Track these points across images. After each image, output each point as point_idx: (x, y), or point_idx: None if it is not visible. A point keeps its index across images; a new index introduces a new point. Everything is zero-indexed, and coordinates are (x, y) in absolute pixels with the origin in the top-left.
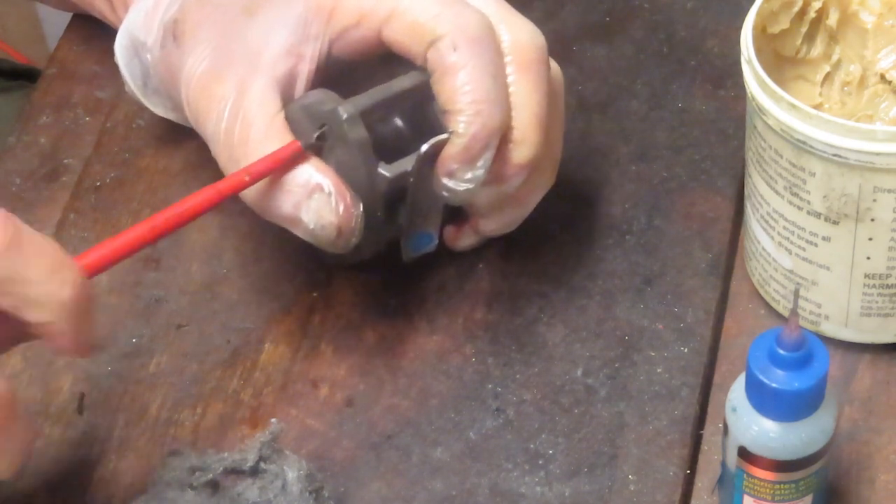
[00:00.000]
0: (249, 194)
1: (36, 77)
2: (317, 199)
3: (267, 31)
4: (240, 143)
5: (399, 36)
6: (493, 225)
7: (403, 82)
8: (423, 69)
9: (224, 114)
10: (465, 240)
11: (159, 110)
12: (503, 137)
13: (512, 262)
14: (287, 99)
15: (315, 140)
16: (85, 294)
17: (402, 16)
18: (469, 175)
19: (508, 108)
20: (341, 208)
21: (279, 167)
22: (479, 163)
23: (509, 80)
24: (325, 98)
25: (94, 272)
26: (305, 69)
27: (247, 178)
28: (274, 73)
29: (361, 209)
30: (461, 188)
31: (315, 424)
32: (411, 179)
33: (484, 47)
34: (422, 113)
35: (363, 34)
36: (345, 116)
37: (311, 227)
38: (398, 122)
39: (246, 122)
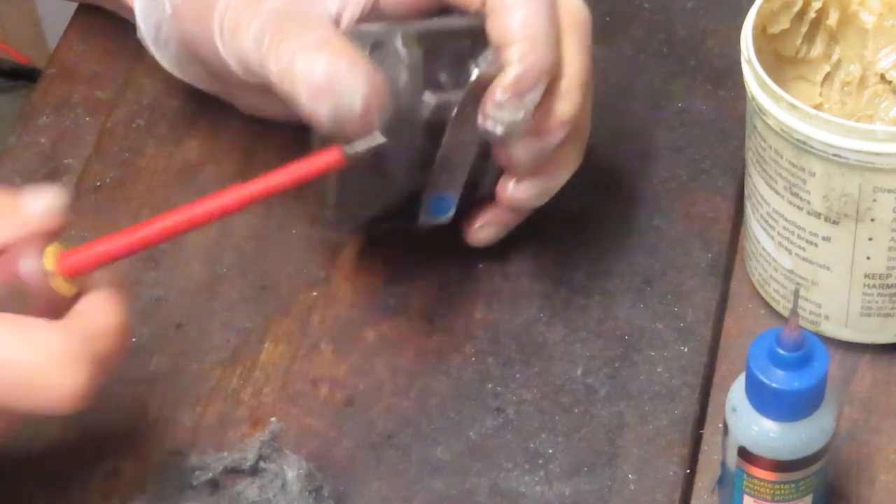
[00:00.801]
0: (274, 70)
1: (36, 77)
2: (346, 73)
3: None
4: (278, 33)
5: None
6: (523, 193)
7: (459, 21)
8: (478, 15)
9: (263, 17)
10: (485, 230)
11: (166, 63)
12: (549, 90)
13: (512, 262)
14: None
15: (364, 150)
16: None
17: None
18: (514, 112)
19: (559, 53)
20: (366, 84)
21: (315, 175)
22: (528, 98)
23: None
24: (378, 24)
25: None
26: (349, 14)
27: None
28: (320, 7)
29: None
30: (505, 121)
31: (315, 424)
32: (455, 112)
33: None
34: (466, 70)
35: None
36: (401, 33)
37: (336, 100)
38: (442, 76)
39: (287, 17)
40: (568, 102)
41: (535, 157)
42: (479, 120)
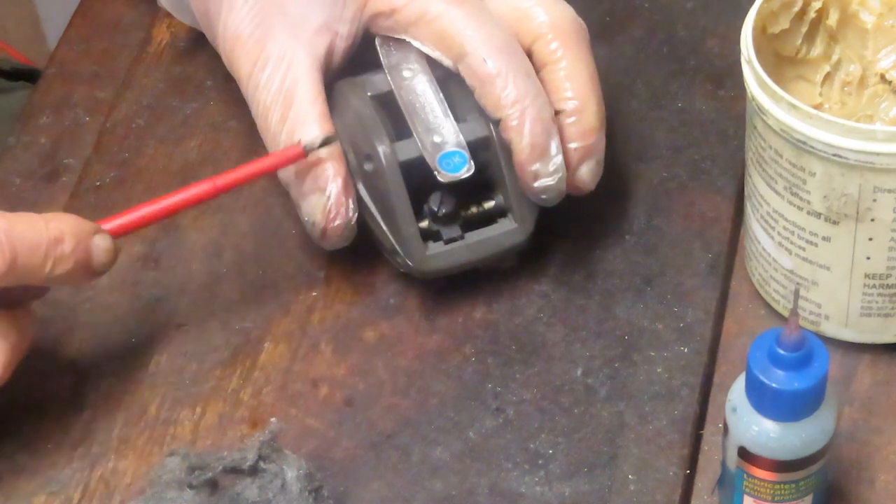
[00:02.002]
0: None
1: (36, 77)
2: (317, 197)
3: (306, 5)
4: (280, 120)
5: (428, 40)
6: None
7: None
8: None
9: (271, 87)
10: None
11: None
12: (566, 115)
13: (506, 270)
14: (326, 72)
15: (318, 146)
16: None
17: (430, 24)
18: (552, 167)
19: (547, 99)
20: (332, 214)
21: (282, 164)
22: (552, 152)
23: (556, 55)
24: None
25: (122, 233)
26: (342, 46)
27: (217, 183)
28: (315, 50)
29: (354, 221)
30: (554, 181)
31: (314, 424)
32: (382, 55)
33: (511, 53)
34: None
35: (394, 25)
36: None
37: (305, 218)
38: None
39: (289, 99)
40: (588, 113)
41: (596, 173)
42: (531, 196)
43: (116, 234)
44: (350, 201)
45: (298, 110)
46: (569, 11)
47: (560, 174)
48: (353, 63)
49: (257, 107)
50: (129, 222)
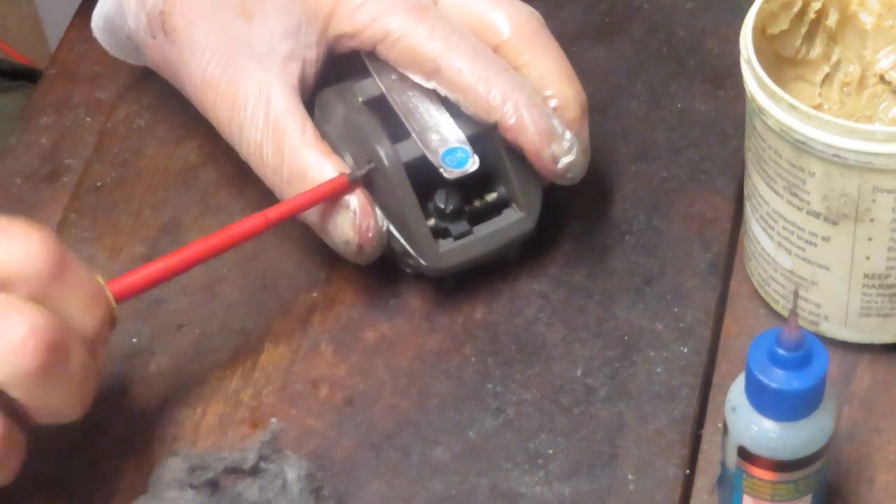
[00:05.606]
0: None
1: (36, 77)
2: (342, 216)
3: (270, 38)
4: (276, 153)
5: (398, 58)
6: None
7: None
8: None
9: (257, 124)
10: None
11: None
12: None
13: (512, 262)
14: (301, 96)
15: (362, 173)
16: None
17: (397, 42)
18: (566, 144)
19: (531, 85)
20: (364, 226)
21: (329, 194)
22: (559, 130)
23: (524, 57)
24: (367, 128)
25: (127, 296)
26: (311, 71)
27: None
28: (288, 79)
29: (385, 228)
30: (574, 156)
31: (315, 424)
32: (368, 62)
33: (483, 57)
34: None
35: (359, 45)
36: (387, 165)
37: (336, 240)
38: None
39: (279, 132)
40: (568, 106)
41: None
42: (552, 178)
43: (177, 270)
44: (376, 209)
45: (292, 139)
46: (525, 8)
47: (576, 146)
48: (335, 72)
49: (247, 146)
50: (186, 258)
